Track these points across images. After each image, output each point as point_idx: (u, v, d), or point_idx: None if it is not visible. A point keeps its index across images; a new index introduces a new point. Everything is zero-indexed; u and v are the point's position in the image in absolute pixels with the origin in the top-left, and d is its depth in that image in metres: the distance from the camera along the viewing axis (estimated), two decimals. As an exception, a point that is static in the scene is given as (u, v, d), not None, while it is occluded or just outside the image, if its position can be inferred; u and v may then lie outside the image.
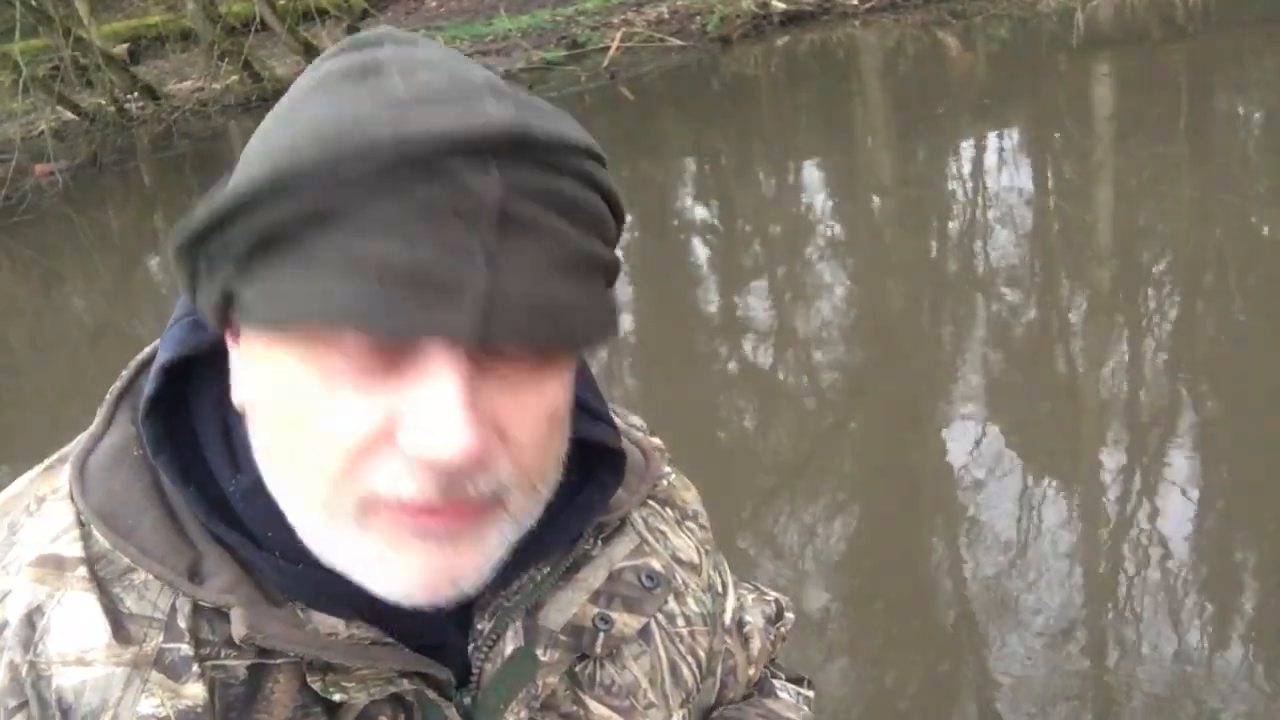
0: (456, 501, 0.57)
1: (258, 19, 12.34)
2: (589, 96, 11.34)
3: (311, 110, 0.57)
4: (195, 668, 0.60)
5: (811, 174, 8.17)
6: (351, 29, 14.85)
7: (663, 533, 0.83)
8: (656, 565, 0.80)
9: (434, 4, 15.93)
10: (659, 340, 5.64)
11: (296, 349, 0.58)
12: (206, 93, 12.53)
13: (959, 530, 3.55)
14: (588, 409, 0.74)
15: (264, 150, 0.58)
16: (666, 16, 13.08)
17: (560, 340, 0.57)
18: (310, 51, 12.03)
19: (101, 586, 0.61)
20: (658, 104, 11.09)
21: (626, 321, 6.09)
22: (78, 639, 0.60)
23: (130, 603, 0.61)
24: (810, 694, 1.04)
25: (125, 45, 14.69)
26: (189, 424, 0.68)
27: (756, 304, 5.83)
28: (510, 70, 12.27)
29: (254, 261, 0.57)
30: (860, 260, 6.33)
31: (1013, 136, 8.16)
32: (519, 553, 0.64)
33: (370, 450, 0.57)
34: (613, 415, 0.79)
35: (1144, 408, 4.16)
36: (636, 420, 0.89)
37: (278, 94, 0.73)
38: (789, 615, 1.04)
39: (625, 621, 0.77)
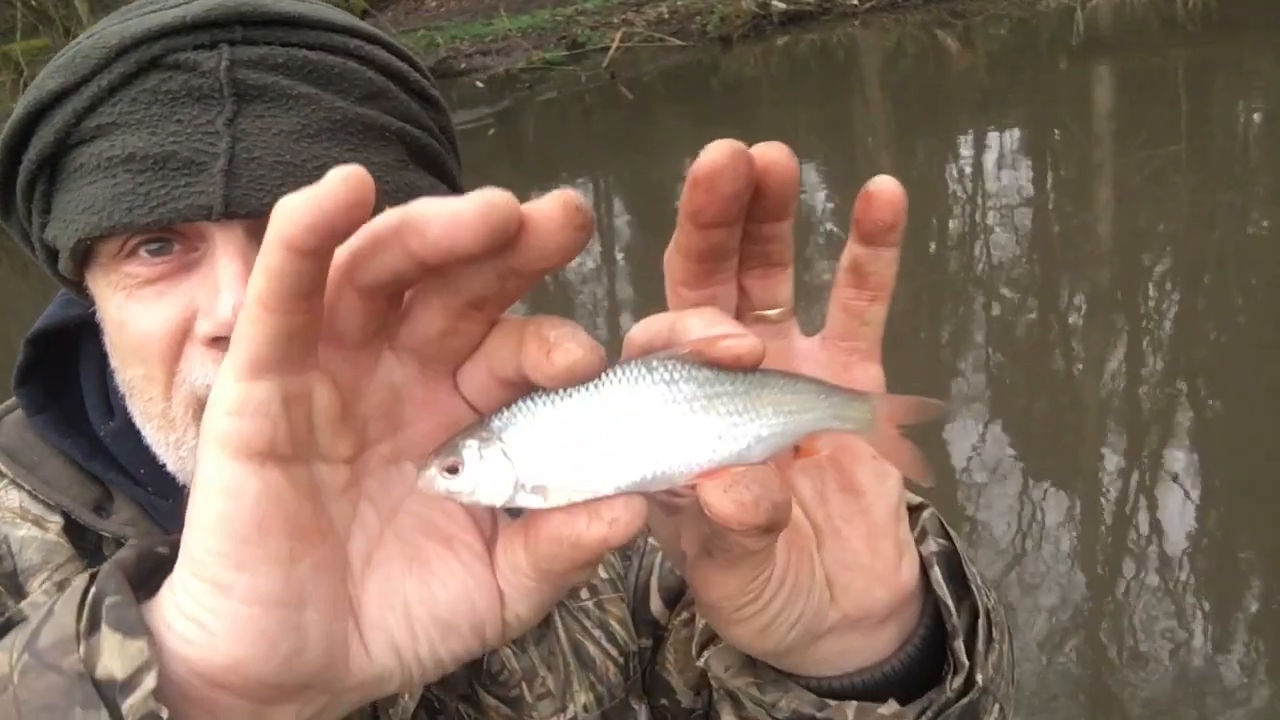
0: None
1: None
2: (589, 96, 11.34)
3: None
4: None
5: (811, 174, 8.17)
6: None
7: None
8: None
9: (434, 3, 15.94)
10: (659, 340, 5.64)
11: (108, 276, 0.64)
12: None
13: (958, 530, 3.55)
14: None
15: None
16: (666, 16, 13.08)
17: None
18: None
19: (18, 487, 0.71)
20: (658, 104, 11.09)
21: (627, 322, 6.09)
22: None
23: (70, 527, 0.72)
24: None
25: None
26: (76, 384, 0.75)
27: (756, 304, 5.82)
28: (510, 70, 12.28)
29: (46, 199, 0.65)
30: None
31: (1013, 136, 8.16)
32: None
33: (180, 349, 0.64)
34: None
35: (1144, 407, 4.16)
36: None
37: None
38: None
39: None
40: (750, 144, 0.45)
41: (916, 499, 0.58)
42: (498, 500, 0.41)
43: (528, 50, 12.77)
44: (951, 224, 6.68)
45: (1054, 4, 11.82)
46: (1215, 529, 3.39)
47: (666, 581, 0.82)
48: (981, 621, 0.55)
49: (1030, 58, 10.77)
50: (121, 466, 0.71)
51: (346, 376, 0.41)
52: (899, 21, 12.41)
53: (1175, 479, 3.66)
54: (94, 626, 0.40)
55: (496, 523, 0.44)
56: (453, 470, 0.40)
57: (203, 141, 0.61)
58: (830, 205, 7.40)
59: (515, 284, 0.39)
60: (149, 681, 0.38)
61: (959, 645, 0.53)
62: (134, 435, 0.69)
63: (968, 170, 7.68)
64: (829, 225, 6.98)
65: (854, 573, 0.50)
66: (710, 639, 0.57)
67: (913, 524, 0.56)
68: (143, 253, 0.64)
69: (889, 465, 0.50)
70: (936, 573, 0.55)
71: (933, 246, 6.39)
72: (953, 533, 0.58)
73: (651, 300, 7.04)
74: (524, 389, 0.41)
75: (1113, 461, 3.81)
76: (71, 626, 0.40)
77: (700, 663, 0.58)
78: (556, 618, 0.77)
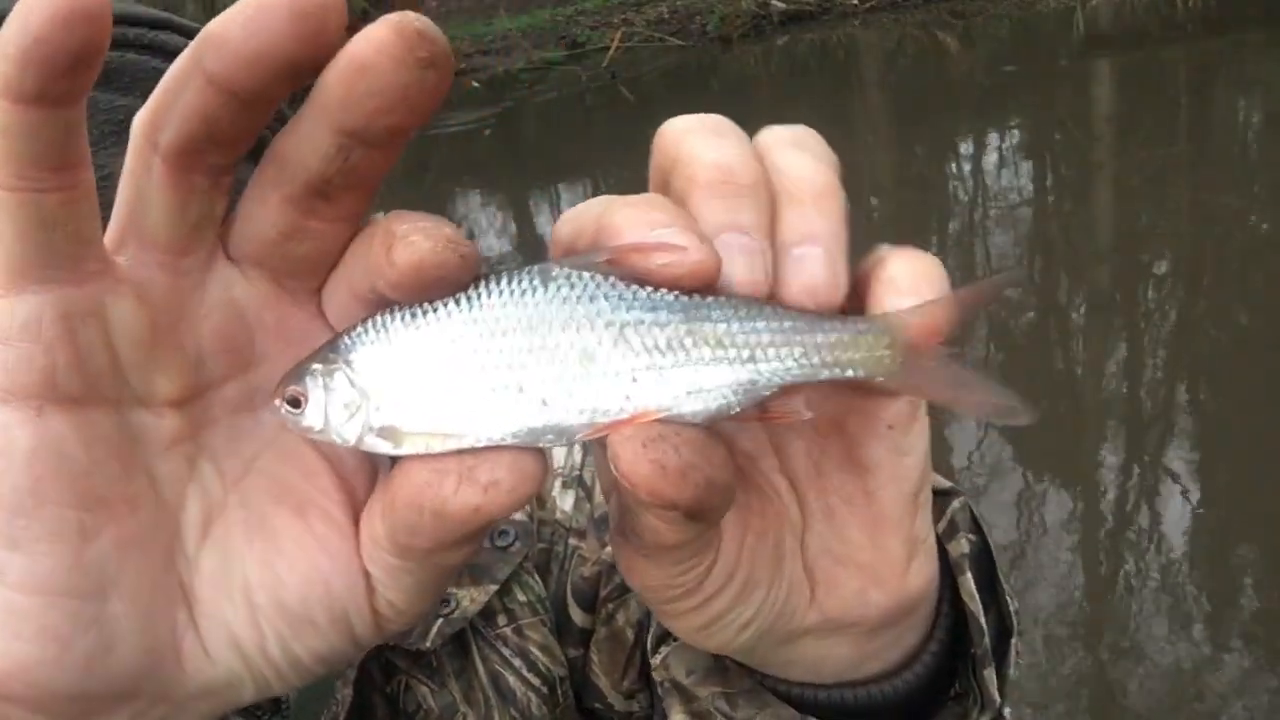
0: None
1: (258, 19, 12.33)
2: (589, 96, 11.34)
3: None
4: None
5: (811, 174, 8.16)
6: (351, 29, 14.84)
7: None
8: (516, 515, 0.68)
9: (434, 3, 15.94)
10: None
11: None
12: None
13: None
14: None
15: None
16: (666, 16, 13.08)
17: None
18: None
19: None
20: (658, 104, 11.08)
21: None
22: None
23: None
24: None
25: (125, 45, 14.69)
26: None
27: (756, 304, 5.82)
28: (510, 70, 12.27)
29: None
30: (860, 260, 6.33)
31: (1013, 136, 8.15)
32: None
33: None
34: None
35: (1144, 407, 4.16)
36: None
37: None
38: None
39: (471, 597, 0.66)
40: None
41: (946, 483, 0.46)
42: (350, 440, 0.32)
43: (528, 50, 12.77)
44: (951, 224, 6.68)
45: (1054, 4, 11.82)
46: (1215, 529, 3.39)
47: (579, 588, 0.74)
48: (1015, 642, 0.45)
49: (1030, 58, 10.77)
50: None
51: (163, 290, 0.31)
52: (899, 21, 12.40)
53: (1175, 479, 3.65)
54: None
55: (370, 487, 0.34)
56: (294, 402, 0.32)
57: None
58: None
59: (362, 157, 0.30)
60: None
61: (989, 675, 0.43)
62: None
63: (968, 170, 7.68)
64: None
65: (846, 569, 0.39)
66: (666, 635, 0.47)
67: (938, 515, 0.44)
68: None
69: (910, 439, 0.37)
70: (969, 582, 0.44)
71: (933, 247, 6.39)
72: (986, 527, 0.46)
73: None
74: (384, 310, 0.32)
75: (1113, 461, 3.81)
76: None
77: (656, 664, 0.48)
78: (474, 649, 0.70)
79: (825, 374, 0.31)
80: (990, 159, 7.72)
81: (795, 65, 11.94)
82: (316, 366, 0.32)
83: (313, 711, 0.63)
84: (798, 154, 0.34)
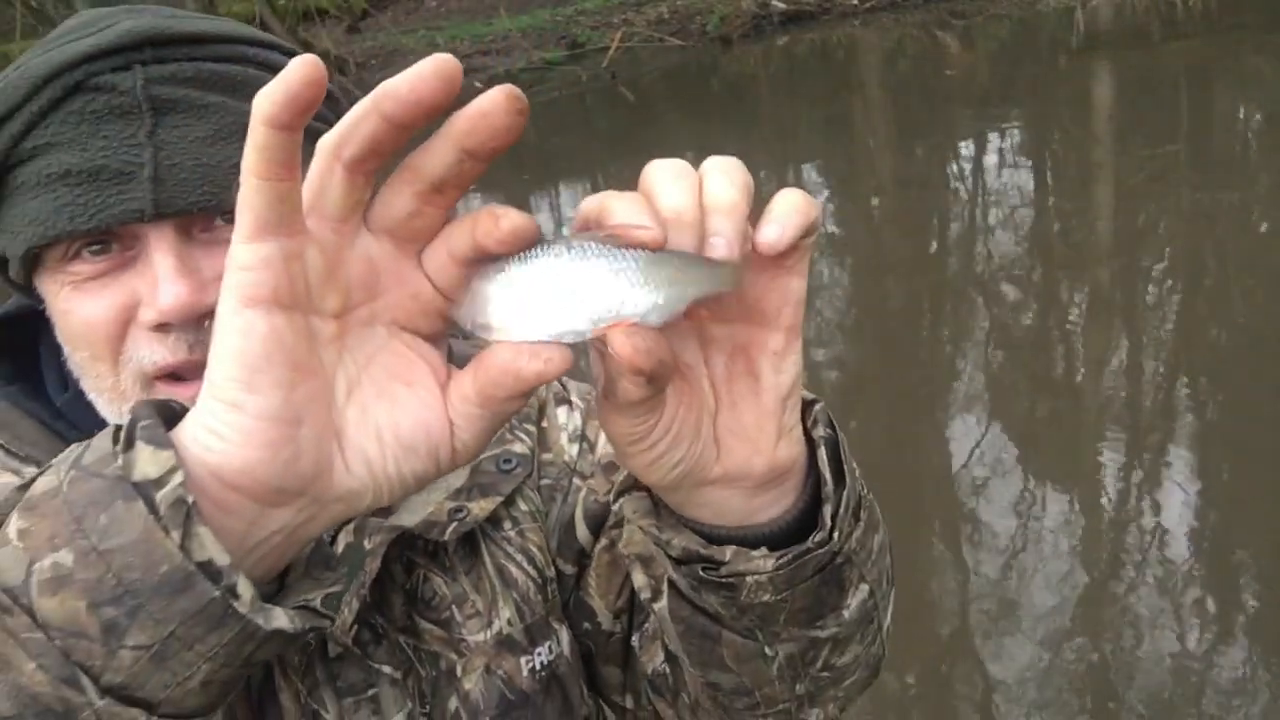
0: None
1: (257, 19, 12.34)
2: (589, 96, 11.34)
3: None
4: None
5: (811, 173, 8.17)
6: (351, 29, 14.85)
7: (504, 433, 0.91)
8: (518, 449, 0.90)
9: (434, 3, 15.94)
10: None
11: (55, 277, 0.75)
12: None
13: (959, 530, 3.55)
14: None
15: None
16: (666, 16, 13.09)
17: None
18: (309, 51, 12.03)
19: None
20: (658, 104, 11.09)
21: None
22: None
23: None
24: None
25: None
26: (37, 365, 0.86)
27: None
28: (510, 70, 12.28)
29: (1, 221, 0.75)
30: (860, 260, 6.33)
31: (1013, 136, 8.16)
32: None
33: (124, 332, 0.74)
34: None
35: (1144, 407, 4.16)
36: None
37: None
38: None
39: (481, 507, 0.86)
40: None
41: (811, 396, 0.67)
42: (469, 329, 0.52)
43: (528, 50, 12.77)
44: (952, 224, 6.68)
45: (1054, 4, 11.83)
46: (1215, 529, 3.39)
47: (591, 510, 0.92)
48: (849, 497, 0.64)
49: (1030, 58, 10.77)
50: (78, 428, 0.81)
51: (331, 245, 0.50)
52: (899, 21, 12.41)
53: (1175, 479, 3.66)
54: (129, 444, 0.48)
55: (450, 372, 0.54)
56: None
57: (129, 154, 0.72)
58: (830, 205, 7.40)
59: (470, 166, 0.48)
60: (177, 479, 0.47)
61: (827, 509, 0.63)
62: (86, 404, 0.80)
63: (968, 170, 7.68)
64: (829, 225, 6.98)
65: (739, 439, 0.60)
66: (626, 489, 0.68)
67: (806, 414, 0.65)
68: (85, 254, 0.75)
69: (786, 362, 0.60)
70: (822, 453, 0.64)
71: (933, 246, 6.39)
72: (838, 427, 0.67)
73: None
74: (474, 267, 0.51)
75: (1113, 461, 3.81)
76: (109, 447, 0.49)
77: (615, 506, 0.69)
78: (483, 547, 0.88)
79: (712, 290, 0.53)
80: (990, 159, 7.72)
81: (795, 65, 11.95)
82: (469, 284, 0.52)
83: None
84: (720, 177, 0.54)
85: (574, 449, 0.95)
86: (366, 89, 0.47)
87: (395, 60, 12.99)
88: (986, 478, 3.80)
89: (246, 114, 0.67)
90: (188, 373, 0.75)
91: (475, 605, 0.85)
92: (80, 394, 0.80)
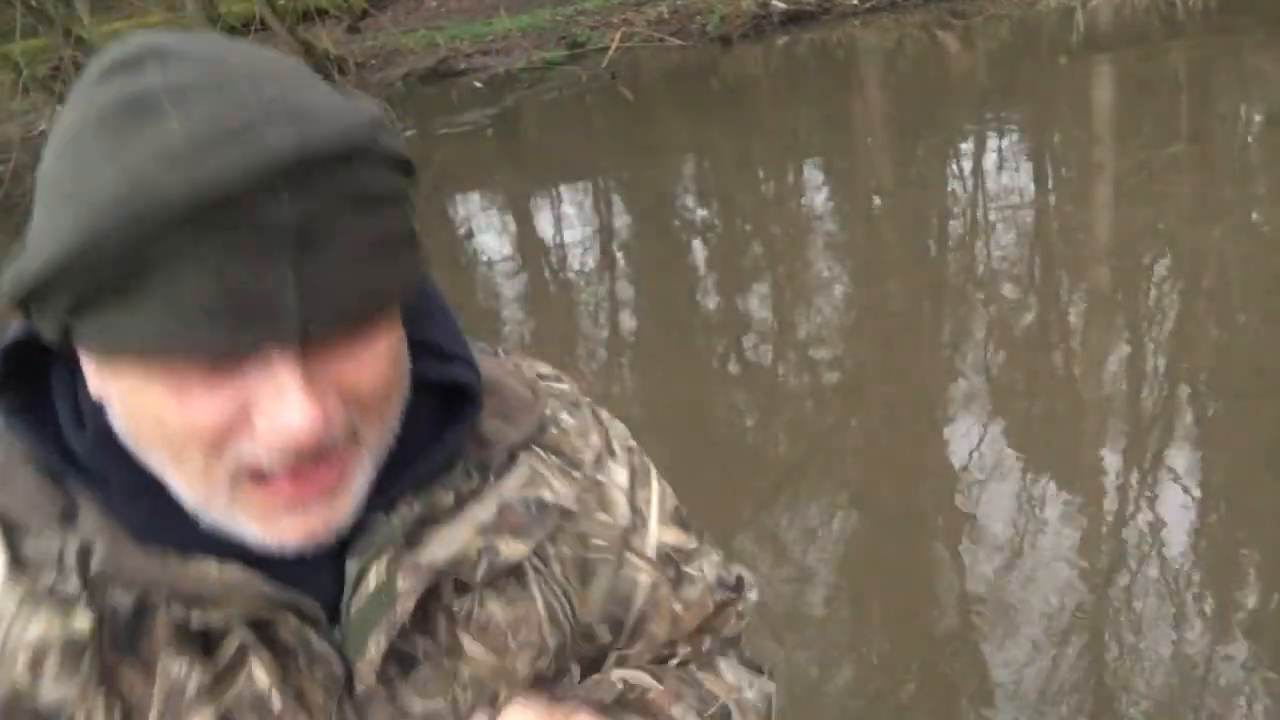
0: (318, 462, 0.65)
1: (258, 19, 12.33)
2: (589, 96, 11.34)
3: (100, 170, 0.60)
4: (84, 600, 0.67)
5: (811, 174, 8.17)
6: (351, 29, 14.85)
7: (545, 478, 0.84)
8: (548, 496, 0.83)
9: (434, 3, 15.93)
10: (659, 340, 5.64)
11: (139, 366, 0.63)
12: (206, 93, 12.49)
13: (959, 530, 3.55)
14: (441, 353, 0.77)
15: (64, 214, 0.61)
16: (666, 16, 13.08)
17: (376, 309, 0.65)
18: (309, 52, 12.03)
19: (6, 535, 0.69)
20: (658, 104, 11.09)
21: (628, 321, 6.10)
22: None
23: (29, 548, 0.68)
24: (769, 686, 1.00)
25: (125, 45, 14.66)
26: (48, 393, 0.74)
27: (756, 304, 5.83)
28: (510, 70, 12.28)
29: (81, 311, 0.64)
30: (860, 260, 6.33)
31: (1012, 136, 8.16)
32: (388, 493, 0.72)
33: (230, 434, 0.64)
34: (477, 355, 0.81)
35: (1144, 407, 4.16)
36: (543, 368, 0.91)
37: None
38: (750, 595, 1.01)
39: (511, 548, 0.80)
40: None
41: None
42: None
43: (528, 50, 12.77)
44: (952, 224, 6.68)
45: (1054, 4, 11.83)
46: (1215, 529, 3.39)
47: (650, 601, 0.93)
48: None
49: (1030, 58, 10.77)
50: (97, 479, 0.70)
51: None
52: (899, 21, 12.41)
53: (1175, 478, 3.66)
54: None
55: None
56: None
57: (271, 283, 0.61)
58: (830, 205, 7.40)
59: None
60: None
61: None
62: (117, 453, 0.69)
63: (968, 170, 7.68)
64: (829, 225, 6.98)
65: None
66: None
67: None
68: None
69: None
70: None
71: (933, 246, 6.39)
72: None
73: (652, 299, 7.02)
74: None
75: (1113, 461, 3.81)
76: None
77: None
78: (533, 580, 0.83)
79: None
80: (990, 159, 7.72)
81: (795, 65, 11.94)
82: None
83: (368, 617, 0.72)
84: None
85: (628, 515, 0.90)
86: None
87: (395, 60, 12.99)
88: (986, 478, 3.80)
89: (382, 231, 0.66)
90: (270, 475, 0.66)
91: (527, 636, 0.82)
92: (110, 437, 0.69)
